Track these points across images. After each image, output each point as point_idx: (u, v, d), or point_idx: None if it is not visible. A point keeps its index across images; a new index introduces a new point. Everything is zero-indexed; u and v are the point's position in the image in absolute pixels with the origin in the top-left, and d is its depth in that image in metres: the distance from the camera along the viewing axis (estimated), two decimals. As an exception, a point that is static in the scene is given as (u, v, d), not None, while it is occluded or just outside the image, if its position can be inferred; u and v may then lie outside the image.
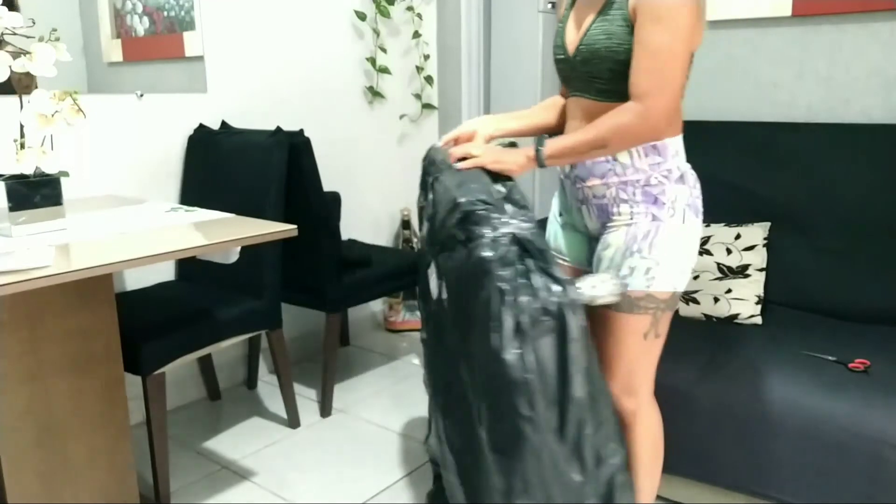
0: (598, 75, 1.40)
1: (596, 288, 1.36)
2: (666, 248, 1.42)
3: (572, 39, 1.46)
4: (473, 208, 1.34)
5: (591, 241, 1.58)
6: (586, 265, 1.61)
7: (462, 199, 1.36)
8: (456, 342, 1.45)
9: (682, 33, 1.29)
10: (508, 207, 1.36)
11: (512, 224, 1.30)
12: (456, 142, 1.57)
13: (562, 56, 1.49)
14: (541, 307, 1.23)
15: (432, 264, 1.61)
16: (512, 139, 1.64)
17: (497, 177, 1.45)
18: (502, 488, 1.30)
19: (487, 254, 1.27)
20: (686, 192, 1.44)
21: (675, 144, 1.44)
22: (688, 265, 1.46)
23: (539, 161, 1.41)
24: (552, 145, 1.40)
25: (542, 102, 1.69)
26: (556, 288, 1.25)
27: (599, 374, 1.32)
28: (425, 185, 1.64)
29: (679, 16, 1.28)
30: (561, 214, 1.66)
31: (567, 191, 1.57)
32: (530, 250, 1.28)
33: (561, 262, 1.66)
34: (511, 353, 1.23)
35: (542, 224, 1.76)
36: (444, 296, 1.50)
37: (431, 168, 1.59)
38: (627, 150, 1.42)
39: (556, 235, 1.67)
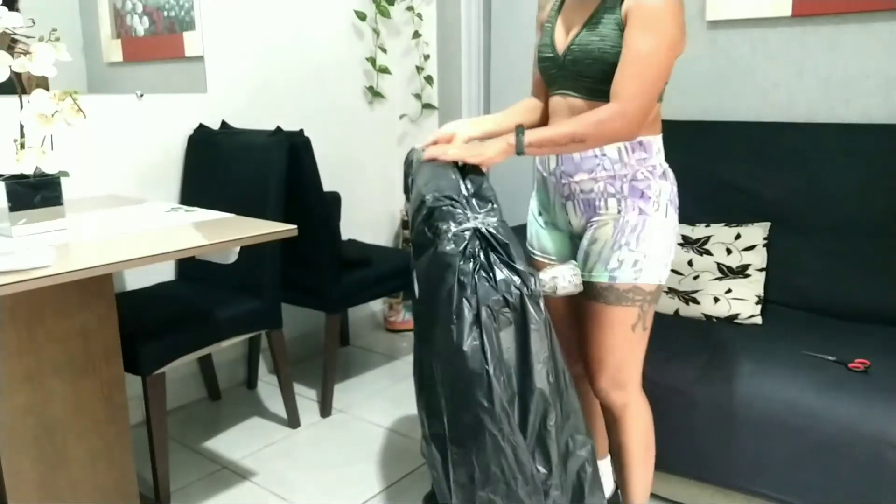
0: (588, 75, 1.44)
1: (556, 279, 1.39)
2: (652, 241, 1.47)
3: (561, 40, 1.50)
4: (438, 205, 1.35)
5: (574, 238, 1.61)
6: None
7: (427, 197, 1.37)
8: (429, 340, 1.46)
9: (667, 42, 1.35)
10: (475, 203, 1.37)
11: (477, 218, 1.32)
12: (435, 144, 1.57)
13: (550, 55, 1.52)
14: (501, 299, 1.25)
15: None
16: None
17: (467, 173, 1.46)
18: (464, 481, 1.30)
19: (449, 248, 1.29)
20: (668, 187, 1.50)
21: (657, 142, 1.50)
22: (670, 258, 1.51)
23: (519, 147, 1.42)
24: (532, 134, 1.42)
25: (517, 105, 1.69)
26: (516, 280, 1.26)
27: (564, 367, 1.33)
28: (407, 188, 1.64)
29: (666, 25, 1.34)
30: (540, 214, 1.67)
31: (550, 188, 1.59)
32: (493, 244, 1.29)
33: (548, 261, 1.67)
34: (469, 345, 1.24)
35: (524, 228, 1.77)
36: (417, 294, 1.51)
37: (410, 170, 1.59)
38: (616, 147, 1.46)
39: (538, 236, 1.69)
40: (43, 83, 1.87)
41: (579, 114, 1.45)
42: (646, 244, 1.46)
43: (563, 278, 1.40)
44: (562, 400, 1.30)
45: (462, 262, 1.27)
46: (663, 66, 1.37)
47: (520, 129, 1.42)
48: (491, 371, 1.24)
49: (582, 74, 1.45)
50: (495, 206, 1.39)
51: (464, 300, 1.25)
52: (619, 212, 1.48)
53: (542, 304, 1.27)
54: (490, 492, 1.28)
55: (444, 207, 1.34)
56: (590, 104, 1.45)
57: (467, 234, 1.30)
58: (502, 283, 1.25)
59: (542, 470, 1.29)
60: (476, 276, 1.26)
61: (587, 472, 1.34)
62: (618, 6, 1.39)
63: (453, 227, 1.31)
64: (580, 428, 1.33)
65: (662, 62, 1.36)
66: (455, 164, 1.46)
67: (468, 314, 1.25)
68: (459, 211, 1.33)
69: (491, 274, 1.26)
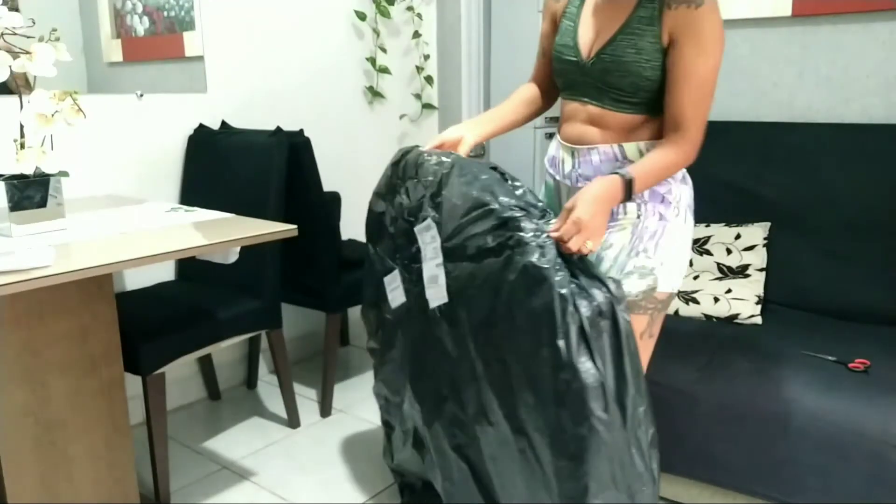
0: (618, 87, 1.38)
1: (637, 285, 1.39)
2: (669, 248, 1.43)
3: (587, 43, 1.43)
4: (513, 214, 1.32)
5: None
6: None
7: (495, 205, 1.34)
8: (461, 354, 1.44)
9: (720, 62, 1.33)
10: (532, 210, 1.36)
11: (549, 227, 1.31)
12: (441, 147, 1.54)
13: (572, 58, 1.45)
14: (597, 309, 1.24)
15: (395, 272, 1.59)
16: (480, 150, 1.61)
17: (506, 178, 1.44)
18: (574, 493, 1.29)
19: (540, 260, 1.26)
20: (687, 192, 1.47)
21: None
22: (685, 266, 1.48)
23: (627, 199, 1.37)
24: (639, 181, 1.34)
25: (515, 97, 1.65)
26: (603, 288, 1.26)
27: (641, 367, 1.33)
28: (394, 190, 1.61)
29: (720, 46, 1.32)
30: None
31: (563, 192, 1.56)
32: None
33: None
34: (581, 359, 1.24)
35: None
36: (434, 304, 1.48)
37: (410, 172, 1.56)
38: (637, 149, 1.42)
39: None
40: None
41: (599, 123, 1.43)
42: (663, 252, 1.43)
43: (642, 283, 1.41)
44: (642, 398, 1.31)
45: (557, 275, 1.25)
46: (714, 86, 1.35)
47: (628, 181, 1.33)
48: (605, 382, 1.24)
49: (610, 85, 1.39)
50: (550, 214, 1.37)
51: (568, 314, 1.23)
52: (639, 216, 1.43)
53: (627, 310, 1.28)
54: (605, 498, 1.27)
55: (520, 217, 1.31)
56: (613, 115, 1.41)
57: (549, 243, 1.28)
58: (594, 292, 1.25)
59: (641, 468, 1.30)
60: (571, 289, 1.24)
61: (655, 461, 1.36)
62: (656, 19, 1.33)
63: (534, 239, 1.28)
64: (651, 420, 1.34)
65: (715, 82, 1.34)
66: (492, 167, 1.45)
67: (574, 328, 1.23)
68: (535, 220, 1.31)
69: (581, 284, 1.25)
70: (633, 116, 1.40)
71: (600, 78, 1.40)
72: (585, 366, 1.23)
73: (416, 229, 1.53)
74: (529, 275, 1.27)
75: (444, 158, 1.49)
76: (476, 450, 1.48)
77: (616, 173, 1.33)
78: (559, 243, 1.28)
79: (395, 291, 1.62)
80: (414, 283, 1.55)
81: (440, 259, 1.47)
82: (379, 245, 1.68)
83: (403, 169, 1.58)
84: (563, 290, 1.24)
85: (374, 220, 1.69)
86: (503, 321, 1.33)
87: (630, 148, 1.42)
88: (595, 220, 1.28)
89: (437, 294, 1.48)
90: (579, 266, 1.28)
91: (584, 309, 1.24)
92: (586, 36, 1.43)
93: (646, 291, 1.42)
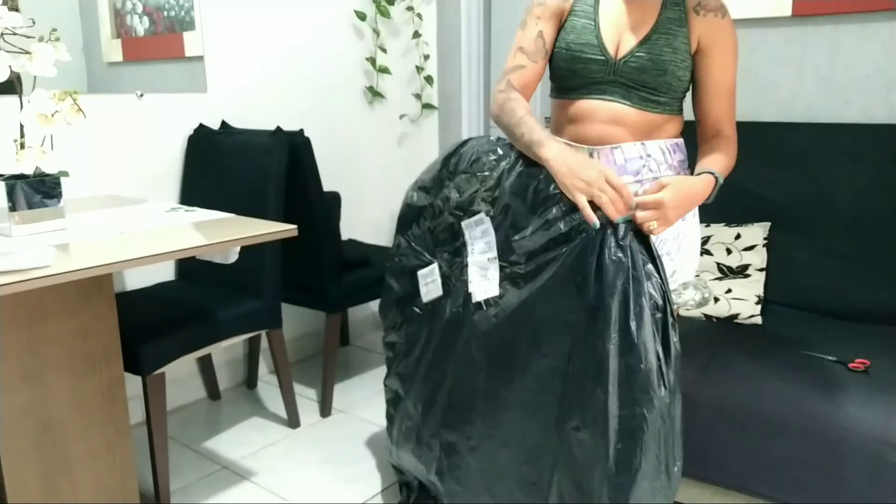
0: (650, 85, 1.39)
1: (693, 295, 1.41)
2: (689, 249, 1.45)
3: (612, 41, 1.42)
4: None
5: None
6: None
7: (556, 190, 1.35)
8: (506, 348, 1.43)
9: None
10: None
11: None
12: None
13: (599, 57, 1.42)
14: (657, 294, 1.26)
15: (433, 266, 1.59)
16: None
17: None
18: (627, 473, 1.30)
19: (615, 241, 1.27)
20: None
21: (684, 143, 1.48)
22: (697, 265, 1.50)
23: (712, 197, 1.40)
24: (722, 177, 1.39)
25: (530, 112, 1.53)
26: (660, 276, 1.27)
27: (679, 349, 1.35)
28: (441, 184, 1.60)
29: (737, 50, 1.41)
30: None
31: None
32: (630, 237, 1.29)
33: None
34: (647, 340, 1.25)
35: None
36: (479, 298, 1.47)
37: (463, 166, 1.53)
38: (659, 147, 1.43)
39: None
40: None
41: (624, 123, 1.41)
42: (684, 253, 1.44)
43: (700, 294, 1.42)
44: (679, 380, 1.33)
45: (632, 257, 1.26)
46: None
47: (718, 178, 1.37)
48: (663, 362, 1.27)
49: (643, 84, 1.39)
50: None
51: (642, 297, 1.25)
52: None
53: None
54: (651, 479, 1.29)
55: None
56: (639, 114, 1.41)
57: (623, 223, 1.28)
58: (653, 276, 1.27)
59: (676, 448, 1.32)
60: (647, 270, 1.26)
61: (680, 442, 1.38)
62: (684, 21, 1.36)
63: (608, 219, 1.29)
64: (680, 403, 1.37)
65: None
66: None
67: (647, 311, 1.25)
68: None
69: (643, 269, 1.27)
70: (656, 116, 1.42)
71: (633, 76, 1.40)
72: (649, 347, 1.26)
73: (463, 223, 1.52)
74: (605, 256, 1.28)
75: (502, 152, 1.49)
76: (497, 451, 1.48)
77: (712, 174, 1.36)
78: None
79: (430, 285, 1.61)
80: (455, 276, 1.55)
81: (493, 253, 1.46)
82: (413, 239, 1.67)
83: (456, 163, 1.57)
84: (636, 273, 1.26)
85: (412, 214, 1.68)
86: (574, 306, 1.33)
87: (652, 146, 1.44)
88: (675, 213, 1.29)
89: (485, 287, 1.47)
90: (643, 248, 1.29)
91: (647, 293, 1.26)
92: (612, 34, 1.42)
93: (699, 302, 1.43)
